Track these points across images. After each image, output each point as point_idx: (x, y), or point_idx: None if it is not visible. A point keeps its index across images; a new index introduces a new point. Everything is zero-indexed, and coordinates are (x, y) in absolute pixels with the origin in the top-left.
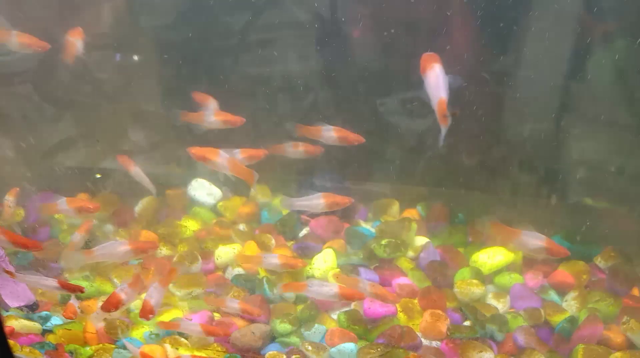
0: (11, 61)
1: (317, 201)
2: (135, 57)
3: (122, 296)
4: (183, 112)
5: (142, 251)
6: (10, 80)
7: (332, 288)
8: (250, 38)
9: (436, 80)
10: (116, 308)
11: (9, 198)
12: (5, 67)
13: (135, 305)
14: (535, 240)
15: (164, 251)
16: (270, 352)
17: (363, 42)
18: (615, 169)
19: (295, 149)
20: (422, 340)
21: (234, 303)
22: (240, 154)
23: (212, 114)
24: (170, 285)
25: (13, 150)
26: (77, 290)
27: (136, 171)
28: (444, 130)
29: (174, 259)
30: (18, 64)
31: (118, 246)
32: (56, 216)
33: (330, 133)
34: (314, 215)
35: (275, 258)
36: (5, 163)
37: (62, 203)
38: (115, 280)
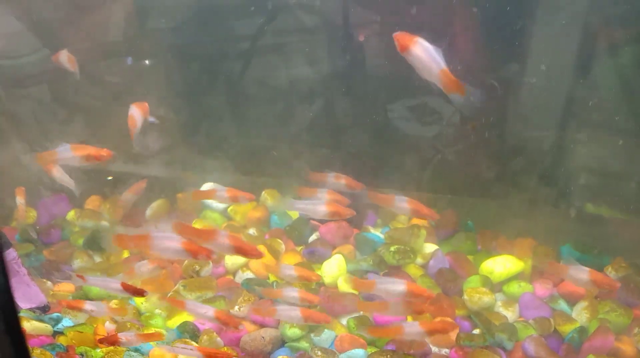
0: (23, 64)
1: (319, 207)
2: (147, 61)
3: (122, 339)
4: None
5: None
6: (23, 82)
7: (400, 285)
8: (263, 43)
9: (427, 53)
10: (111, 345)
11: (20, 200)
12: (18, 69)
13: (146, 307)
14: (581, 274)
15: None
16: (280, 357)
17: (371, 47)
18: (632, 179)
19: (337, 181)
20: (432, 347)
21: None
22: (226, 193)
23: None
24: (181, 288)
25: (26, 152)
26: (139, 293)
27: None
28: (461, 99)
29: (185, 262)
30: (30, 67)
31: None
32: (67, 218)
33: (403, 204)
34: (322, 220)
35: (291, 270)
36: (17, 165)
37: (65, 151)
38: None
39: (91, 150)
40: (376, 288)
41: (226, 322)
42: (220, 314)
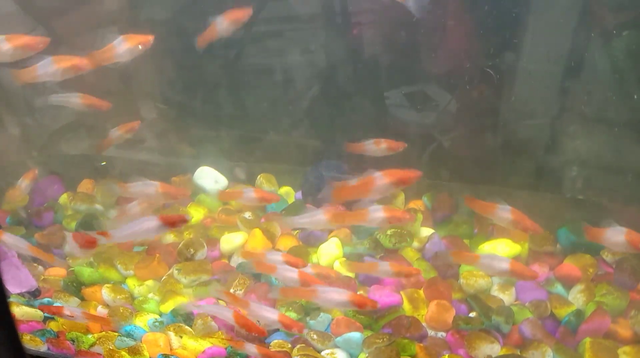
0: None
1: (320, 217)
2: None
3: (66, 312)
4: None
5: (172, 197)
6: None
7: (504, 263)
8: (262, 29)
9: None
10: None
11: (24, 181)
12: None
13: (139, 291)
14: (619, 236)
15: (170, 237)
16: (275, 341)
17: (367, 37)
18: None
19: (378, 147)
20: (428, 330)
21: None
22: (253, 193)
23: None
24: (175, 272)
25: (20, 134)
26: (181, 220)
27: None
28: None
29: (180, 246)
30: None
31: (149, 186)
32: (60, 201)
33: (506, 214)
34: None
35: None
36: (12, 146)
37: (46, 63)
38: (119, 266)
39: (75, 60)
40: (479, 263)
41: (290, 326)
42: (284, 318)
